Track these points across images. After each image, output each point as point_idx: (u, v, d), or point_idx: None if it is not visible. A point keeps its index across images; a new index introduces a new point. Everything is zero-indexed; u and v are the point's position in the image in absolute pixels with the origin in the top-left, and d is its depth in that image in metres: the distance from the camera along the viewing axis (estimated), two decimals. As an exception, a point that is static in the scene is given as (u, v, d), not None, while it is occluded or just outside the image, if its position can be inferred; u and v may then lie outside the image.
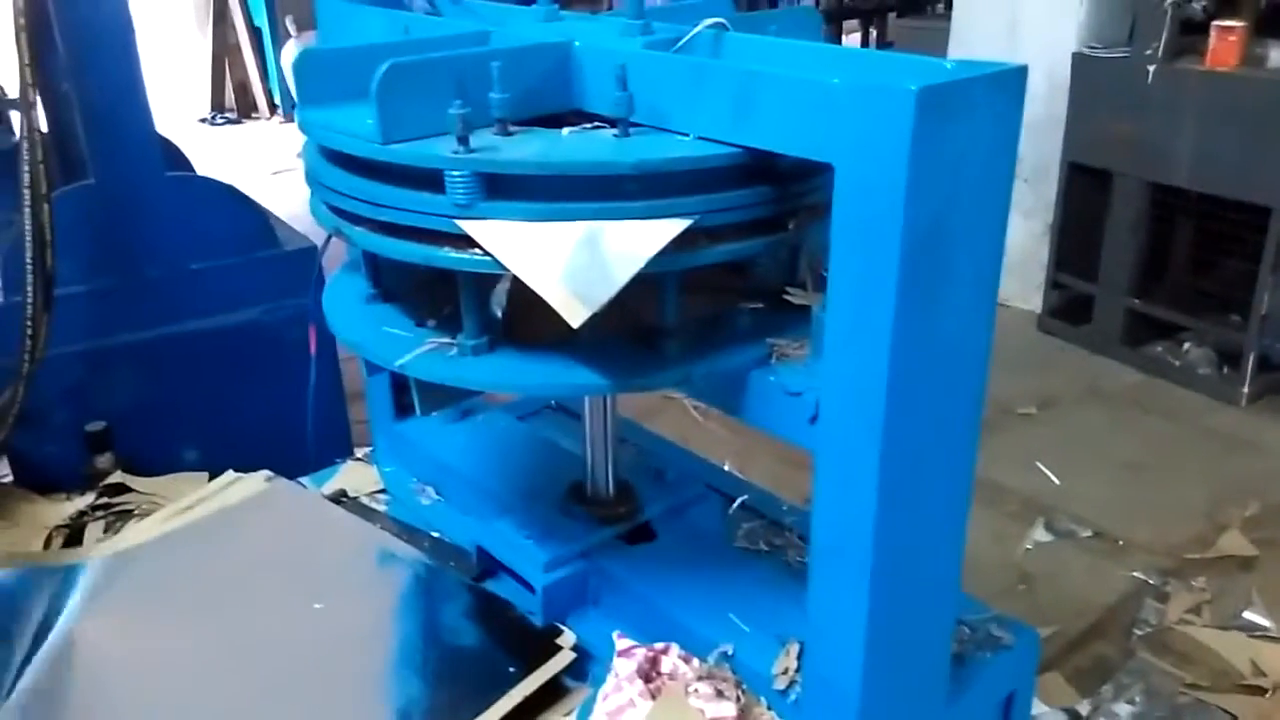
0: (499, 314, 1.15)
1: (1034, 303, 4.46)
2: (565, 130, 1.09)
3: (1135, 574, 2.89)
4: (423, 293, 1.22)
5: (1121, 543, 3.04)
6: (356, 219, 1.11)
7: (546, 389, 1.12)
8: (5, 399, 2.29)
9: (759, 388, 1.09)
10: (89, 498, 2.30)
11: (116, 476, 2.30)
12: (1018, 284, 4.44)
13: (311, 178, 1.18)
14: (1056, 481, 3.35)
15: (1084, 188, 4.15)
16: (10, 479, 2.47)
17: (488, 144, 1.01)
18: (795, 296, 1.15)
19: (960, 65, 0.91)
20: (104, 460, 2.33)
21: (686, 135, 1.02)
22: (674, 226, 0.97)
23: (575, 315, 0.92)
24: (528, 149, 1.01)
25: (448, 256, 1.02)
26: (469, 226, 0.98)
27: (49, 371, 2.25)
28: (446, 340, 1.13)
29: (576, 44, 1.13)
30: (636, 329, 1.13)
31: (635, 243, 0.96)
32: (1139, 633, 2.69)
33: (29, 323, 2.18)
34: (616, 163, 0.96)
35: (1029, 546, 3.05)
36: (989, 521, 3.09)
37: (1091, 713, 2.45)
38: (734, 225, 1.05)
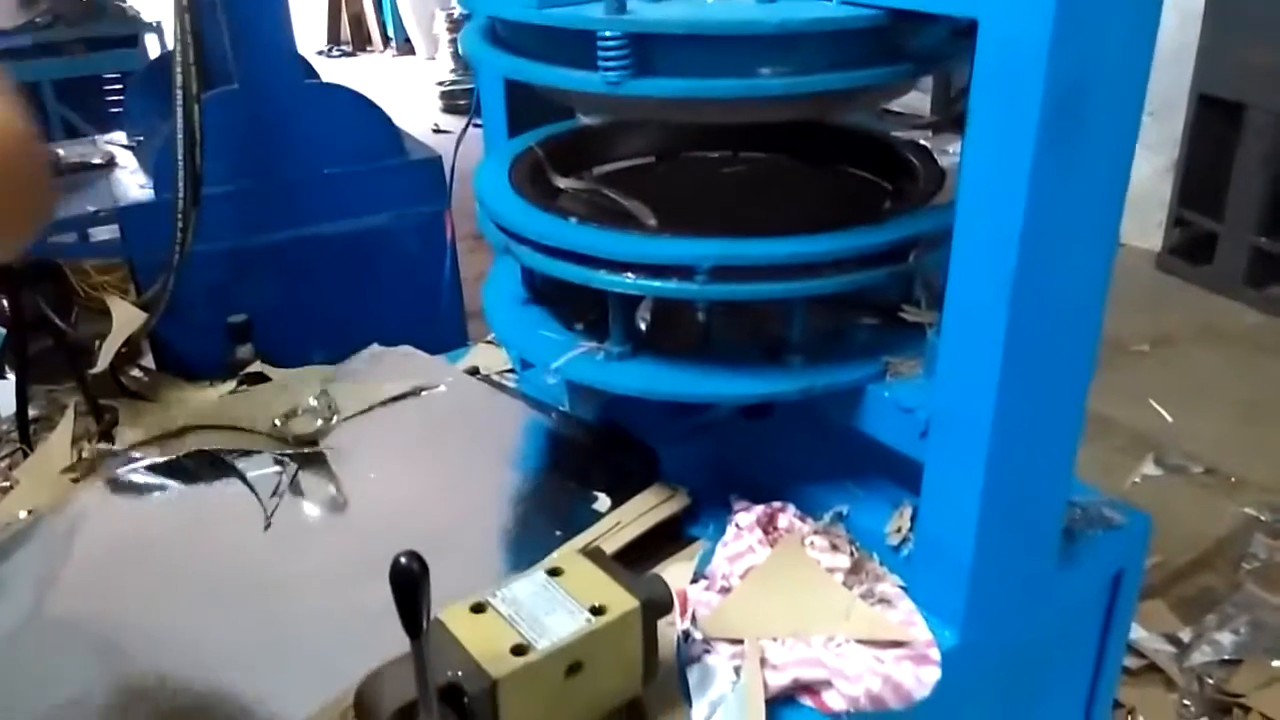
0: (642, 326, 1.28)
1: (1153, 241, 4.34)
2: (709, -1, 1.13)
3: (1247, 510, 2.84)
4: (570, 298, 1.33)
5: (1234, 480, 2.99)
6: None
7: (684, 396, 1.23)
8: (155, 290, 2.46)
9: (875, 403, 1.19)
10: (230, 385, 2.46)
11: (256, 366, 2.44)
12: (1137, 221, 4.32)
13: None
14: (1169, 418, 3.29)
15: (1213, 121, 4.00)
16: (153, 367, 2.64)
17: (637, 8, 1.06)
18: (910, 314, 1.22)
19: (1107, -75, 0.92)
20: (244, 350, 2.47)
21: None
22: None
23: None
24: (675, 11, 1.06)
25: (604, 279, 1.13)
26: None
27: (193, 266, 2.40)
28: (594, 345, 1.25)
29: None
30: (763, 341, 1.24)
31: None
32: (1247, 567, 2.65)
33: (179, 216, 2.32)
34: (762, 22, 1.00)
35: (1136, 480, 3.02)
36: (1096, 454, 3.05)
37: (1194, 639, 2.44)
38: (858, 258, 1.12)
